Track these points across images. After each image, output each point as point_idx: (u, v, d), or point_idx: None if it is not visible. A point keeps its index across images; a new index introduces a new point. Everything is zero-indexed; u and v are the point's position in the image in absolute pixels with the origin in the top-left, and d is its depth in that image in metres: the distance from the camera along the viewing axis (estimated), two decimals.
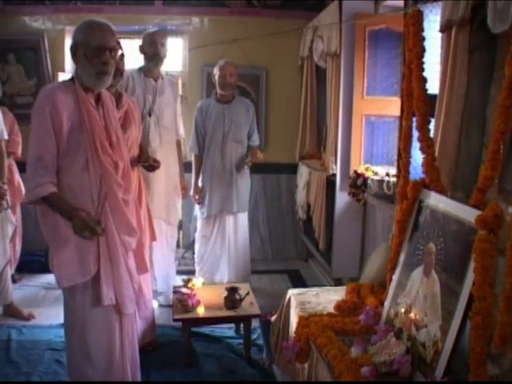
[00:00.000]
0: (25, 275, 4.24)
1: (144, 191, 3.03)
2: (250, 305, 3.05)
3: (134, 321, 2.35)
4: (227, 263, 3.93)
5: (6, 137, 3.21)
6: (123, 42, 3.16)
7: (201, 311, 2.95)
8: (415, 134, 2.27)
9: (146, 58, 3.44)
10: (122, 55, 2.89)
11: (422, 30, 2.25)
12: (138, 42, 3.67)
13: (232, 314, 2.98)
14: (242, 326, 3.17)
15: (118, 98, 2.86)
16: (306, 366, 2.29)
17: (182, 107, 3.86)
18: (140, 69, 3.48)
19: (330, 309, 2.49)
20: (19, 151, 3.82)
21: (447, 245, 1.93)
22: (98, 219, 2.04)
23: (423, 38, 2.24)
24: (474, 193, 1.86)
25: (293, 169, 4.85)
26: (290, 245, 5.07)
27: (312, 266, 4.78)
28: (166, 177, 3.50)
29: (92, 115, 2.07)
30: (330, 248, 3.99)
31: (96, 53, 2.03)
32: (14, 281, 3.81)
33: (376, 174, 3.43)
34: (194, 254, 4.21)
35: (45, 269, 3.88)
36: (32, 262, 4.35)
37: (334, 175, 3.81)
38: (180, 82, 4.65)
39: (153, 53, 3.39)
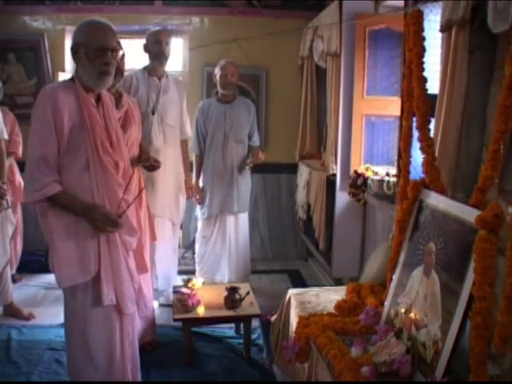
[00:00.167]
0: (25, 275, 4.24)
1: (144, 191, 3.03)
2: (250, 305, 3.05)
3: (135, 321, 2.35)
4: (227, 263, 3.93)
5: (6, 136, 3.21)
6: (123, 42, 3.17)
7: (201, 311, 2.95)
8: (415, 133, 2.27)
9: (151, 57, 3.45)
10: (123, 55, 2.89)
11: (422, 29, 2.25)
12: (138, 41, 3.69)
13: (232, 314, 2.98)
14: (242, 325, 3.17)
15: (118, 98, 2.86)
16: (306, 365, 2.29)
17: None
18: (144, 68, 3.49)
19: (330, 309, 2.49)
20: (20, 151, 3.82)
21: (447, 245, 1.93)
22: (117, 212, 2.06)
23: (423, 38, 2.24)
24: (474, 193, 1.86)
25: (293, 169, 4.85)
26: (290, 245, 5.07)
27: (312, 266, 4.78)
28: (170, 176, 3.51)
29: (93, 115, 2.07)
30: (330, 248, 3.99)
31: (98, 53, 2.03)
32: (14, 281, 3.81)
33: (376, 173, 3.43)
34: (194, 253, 4.21)
35: (45, 269, 3.89)
36: (32, 262, 4.35)
37: (334, 175, 3.81)
38: None
39: (157, 51, 3.39)
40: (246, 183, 3.93)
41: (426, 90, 2.22)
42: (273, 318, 3.03)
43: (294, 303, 2.66)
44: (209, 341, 3.18)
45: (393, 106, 3.40)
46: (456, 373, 1.75)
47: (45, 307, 3.67)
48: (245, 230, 4.00)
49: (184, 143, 3.72)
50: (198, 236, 4.02)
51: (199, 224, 4.00)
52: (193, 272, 4.03)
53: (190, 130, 3.78)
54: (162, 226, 3.53)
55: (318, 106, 4.67)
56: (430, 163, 2.19)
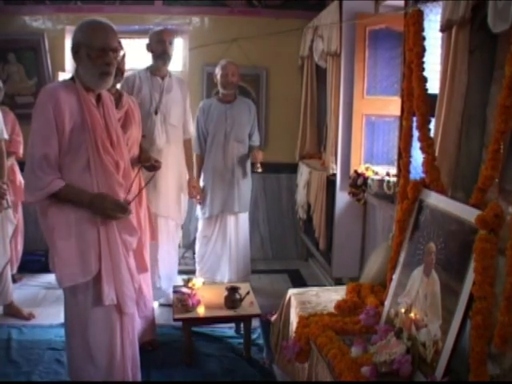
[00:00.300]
0: (25, 275, 4.24)
1: (144, 190, 3.02)
2: (250, 304, 3.05)
3: (135, 320, 2.35)
4: (228, 263, 3.93)
5: (6, 136, 3.21)
6: (123, 42, 3.16)
7: (201, 311, 2.95)
8: (415, 133, 2.27)
9: (154, 57, 3.45)
10: (124, 55, 2.89)
11: (423, 29, 2.25)
12: (138, 41, 3.69)
13: (232, 314, 2.99)
14: (242, 325, 3.17)
15: (119, 98, 2.86)
16: (306, 365, 2.29)
17: None
18: (148, 68, 3.49)
19: (330, 308, 2.49)
20: (21, 151, 3.82)
21: (447, 244, 1.93)
22: (125, 199, 2.08)
23: (423, 38, 2.24)
24: (475, 192, 1.86)
25: (293, 168, 4.85)
26: (291, 244, 5.07)
27: (312, 266, 4.78)
28: (173, 175, 3.51)
29: (93, 114, 2.07)
30: (330, 248, 3.99)
31: (100, 54, 2.03)
32: (14, 280, 3.81)
33: (376, 173, 3.43)
34: (194, 253, 4.21)
35: (45, 268, 3.88)
36: (32, 262, 4.34)
37: (335, 175, 3.81)
38: None
39: (161, 51, 3.39)
40: (246, 183, 3.93)
41: (426, 89, 2.23)
42: (273, 318, 3.03)
43: (294, 303, 2.66)
44: (209, 341, 3.18)
45: (393, 106, 3.40)
46: (456, 372, 1.75)
47: (45, 307, 3.68)
48: (245, 230, 4.01)
49: (187, 143, 3.72)
50: (198, 236, 4.02)
51: (200, 224, 4.00)
52: (193, 272, 4.03)
53: (193, 130, 3.77)
54: (166, 225, 3.53)
55: (318, 106, 4.67)
56: (430, 163, 2.19)
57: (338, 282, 3.80)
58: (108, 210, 2.04)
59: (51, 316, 3.46)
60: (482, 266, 1.64)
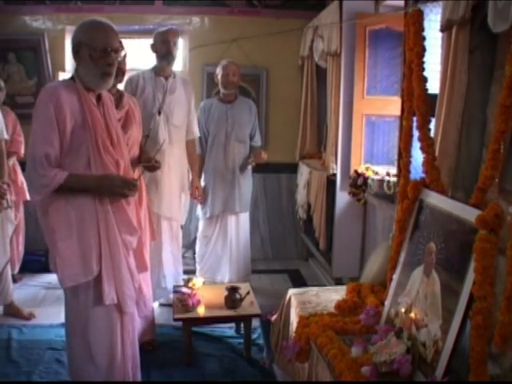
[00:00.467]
0: (25, 275, 4.24)
1: (144, 190, 3.02)
2: (250, 304, 3.05)
3: (135, 320, 2.35)
4: (228, 263, 3.93)
5: (6, 136, 3.21)
6: (123, 42, 3.16)
7: (201, 311, 2.95)
8: (415, 133, 2.27)
9: (158, 57, 3.44)
10: (125, 55, 2.89)
11: (423, 29, 2.25)
12: (138, 41, 3.68)
13: (232, 314, 2.99)
14: (242, 325, 3.17)
15: (119, 98, 2.86)
16: (307, 365, 2.29)
17: None
18: (152, 68, 3.48)
19: (331, 308, 2.49)
20: (22, 151, 3.82)
21: (448, 244, 1.93)
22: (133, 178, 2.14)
23: (423, 38, 2.24)
24: (475, 192, 1.86)
25: (293, 168, 4.85)
26: (291, 244, 5.07)
27: (312, 266, 4.78)
28: (176, 176, 3.51)
29: (94, 114, 2.07)
30: (330, 248, 3.99)
31: (102, 54, 2.03)
32: (14, 280, 3.81)
33: (376, 173, 3.43)
34: (194, 253, 4.21)
35: (45, 268, 3.91)
36: (32, 262, 4.34)
37: (335, 175, 3.81)
38: None
39: (165, 51, 3.38)
40: (247, 183, 3.93)
41: (426, 89, 2.22)
42: (273, 318, 3.03)
43: (294, 303, 2.66)
44: (209, 341, 3.18)
45: (393, 106, 3.40)
46: (456, 372, 1.75)
47: (45, 307, 3.68)
48: (246, 230, 4.01)
49: (191, 143, 3.70)
50: (199, 236, 4.02)
51: (200, 224, 4.00)
52: (193, 272, 4.03)
53: (197, 130, 3.75)
54: (168, 225, 3.53)
55: (318, 106, 4.67)
56: (430, 163, 2.19)
57: (338, 281, 3.80)
58: (117, 188, 2.07)
59: (51, 316, 3.46)
60: (482, 265, 1.64)
